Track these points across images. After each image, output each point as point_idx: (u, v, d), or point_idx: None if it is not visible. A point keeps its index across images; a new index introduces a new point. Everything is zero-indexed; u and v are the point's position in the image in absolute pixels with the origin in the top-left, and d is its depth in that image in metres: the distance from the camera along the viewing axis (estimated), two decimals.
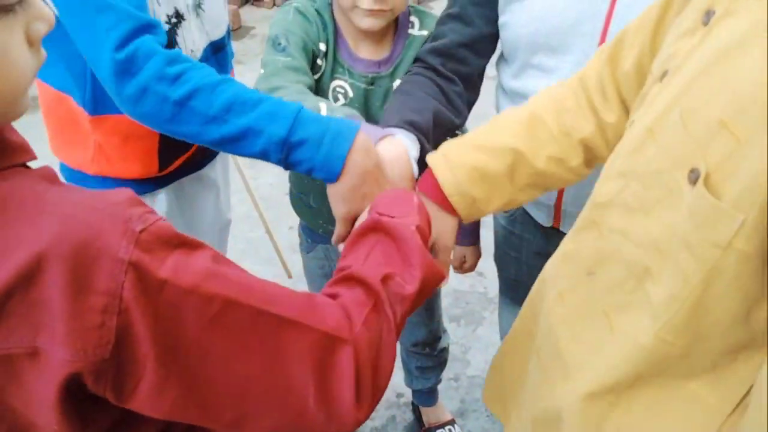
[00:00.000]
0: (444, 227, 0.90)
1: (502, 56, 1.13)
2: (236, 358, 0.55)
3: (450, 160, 0.88)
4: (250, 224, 2.56)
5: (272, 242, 2.27)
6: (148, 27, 0.89)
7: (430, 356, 1.64)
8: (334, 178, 0.85)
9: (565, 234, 1.11)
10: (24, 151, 0.54)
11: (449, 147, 0.90)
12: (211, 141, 0.87)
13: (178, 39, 1.04)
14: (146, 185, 1.14)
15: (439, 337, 1.63)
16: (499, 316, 1.52)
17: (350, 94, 1.15)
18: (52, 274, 0.47)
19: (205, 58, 1.12)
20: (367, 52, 1.15)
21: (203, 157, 1.25)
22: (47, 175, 0.53)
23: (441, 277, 0.73)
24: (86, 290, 0.47)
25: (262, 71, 1.02)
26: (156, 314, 0.51)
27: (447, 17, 1.12)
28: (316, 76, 1.11)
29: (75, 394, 0.50)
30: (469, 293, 2.33)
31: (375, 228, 0.73)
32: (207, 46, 1.13)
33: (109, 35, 0.85)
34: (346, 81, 1.14)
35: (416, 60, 1.13)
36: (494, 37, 1.10)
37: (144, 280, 0.50)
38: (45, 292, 0.47)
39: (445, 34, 1.10)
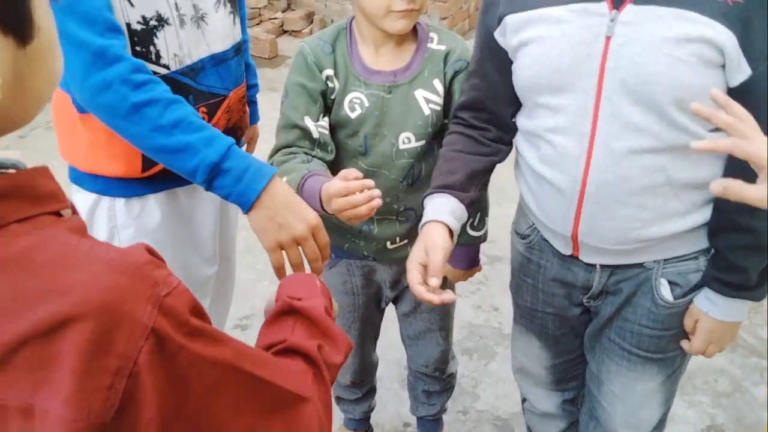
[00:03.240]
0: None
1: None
2: (230, 420, 0.58)
3: None
4: None
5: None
6: (115, 29, 1.00)
7: (438, 380, 1.65)
8: (246, 208, 1.00)
9: (584, 262, 1.16)
10: (55, 199, 0.53)
11: None
12: (152, 147, 1.00)
13: (157, 42, 1.10)
14: (134, 187, 1.19)
15: (449, 361, 1.64)
16: (512, 346, 1.51)
17: (366, 103, 1.26)
18: (74, 333, 0.46)
19: (200, 68, 1.18)
20: (384, 63, 1.26)
21: None
22: (77, 227, 0.53)
23: (351, 348, 0.81)
24: (104, 352, 0.47)
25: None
26: (167, 379, 0.51)
27: (469, 75, 1.22)
28: (333, 96, 1.26)
29: None
30: (483, 327, 2.32)
31: (289, 311, 0.79)
32: (207, 57, 1.19)
33: (81, 29, 0.95)
34: (361, 92, 1.26)
35: (451, 118, 1.25)
36: (512, 84, 1.15)
37: (162, 346, 0.50)
38: (60, 349, 0.46)
39: (469, 90, 1.21)
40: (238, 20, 1.28)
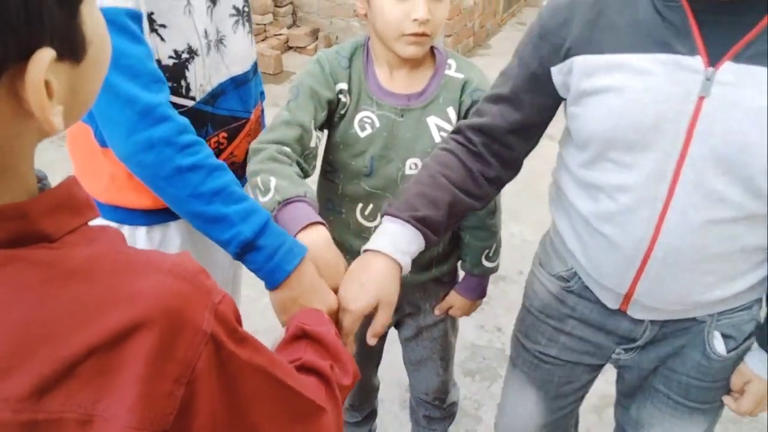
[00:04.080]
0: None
1: (569, 137, 1.07)
2: (264, 426, 0.59)
3: None
4: None
5: None
6: (159, 80, 0.97)
7: (438, 408, 1.63)
8: (273, 286, 0.96)
9: (632, 318, 1.08)
10: (91, 208, 0.54)
11: None
12: (189, 212, 0.97)
13: (188, 74, 1.08)
14: (156, 215, 1.17)
15: (449, 391, 1.62)
16: (502, 397, 1.37)
17: (377, 124, 1.23)
18: (141, 339, 0.46)
19: (221, 91, 1.16)
20: (398, 85, 1.24)
21: None
22: (122, 237, 0.54)
23: (358, 377, 0.82)
24: (167, 358, 0.48)
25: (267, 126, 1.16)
26: (219, 385, 0.52)
27: (497, 98, 1.08)
28: (342, 111, 1.24)
29: None
30: (487, 348, 2.30)
31: (301, 335, 0.81)
32: (227, 80, 1.17)
33: (125, 83, 0.93)
34: (373, 112, 1.23)
35: (456, 131, 1.11)
36: (546, 123, 1.08)
37: (218, 352, 0.51)
38: (125, 356, 0.46)
39: (493, 115, 1.07)
40: (253, 39, 1.26)
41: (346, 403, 1.65)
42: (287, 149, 1.10)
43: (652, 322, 1.08)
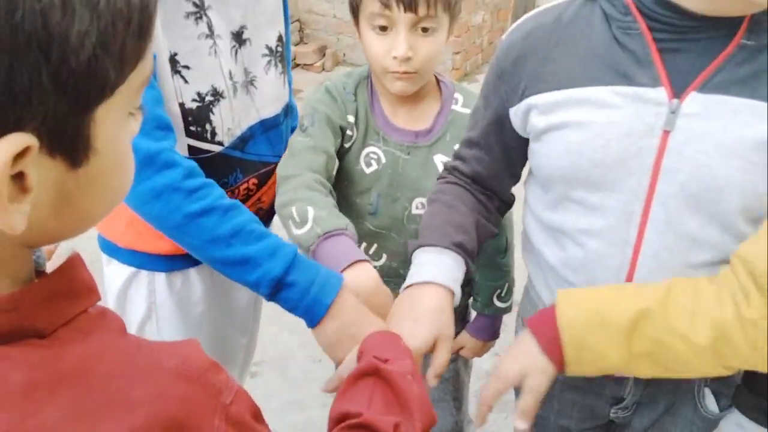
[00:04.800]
0: (540, 375, 0.86)
1: (532, 177, 1.01)
2: None
3: (573, 295, 0.84)
4: None
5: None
6: (165, 126, 0.91)
7: None
8: (314, 323, 0.88)
9: (614, 375, 0.96)
10: (90, 293, 0.48)
11: (578, 290, 0.87)
12: (210, 259, 0.90)
13: (213, 118, 1.03)
14: (176, 261, 1.11)
15: (462, 429, 1.56)
16: None
17: (383, 160, 1.16)
18: None
19: (250, 135, 1.10)
20: (405, 121, 1.17)
21: None
22: (121, 326, 0.48)
23: (434, 423, 0.73)
24: None
25: (286, 152, 1.09)
26: None
27: (469, 142, 1.03)
28: (348, 144, 1.15)
29: None
30: None
31: (372, 373, 0.73)
32: (256, 123, 1.11)
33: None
34: (379, 148, 1.16)
35: (448, 169, 1.07)
36: (522, 161, 1.01)
37: None
38: None
39: (469, 161, 1.03)
40: (287, 80, 1.19)
41: None
42: (320, 176, 1.02)
43: (635, 380, 0.99)
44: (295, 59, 4.90)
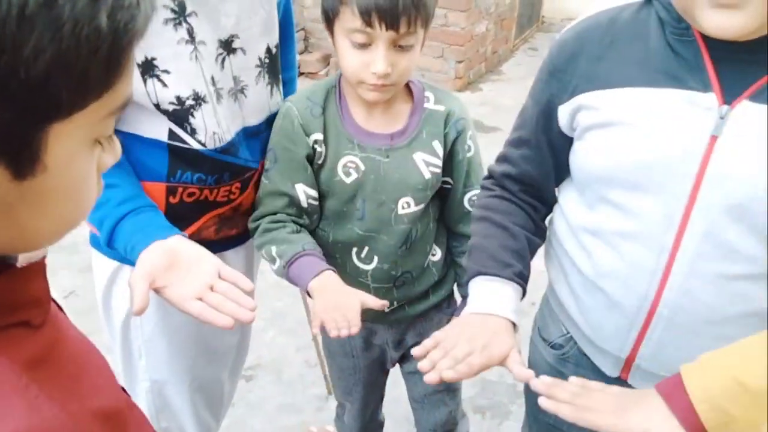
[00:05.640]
0: None
1: (569, 180, 1.00)
2: None
3: (704, 363, 0.76)
4: (278, 293, 2.53)
5: (319, 360, 2.11)
6: None
7: None
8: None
9: (632, 386, 0.95)
10: (34, 306, 0.46)
11: (707, 354, 0.78)
12: None
13: (194, 120, 1.06)
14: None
15: (457, 422, 1.55)
16: None
17: (362, 167, 1.17)
18: None
19: (238, 142, 1.14)
20: (378, 125, 1.18)
21: (219, 239, 1.23)
22: (37, 357, 0.45)
23: None
24: None
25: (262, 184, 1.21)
26: None
27: (518, 141, 1.03)
28: (320, 161, 1.18)
29: None
30: (497, 384, 2.21)
31: None
32: (240, 130, 1.14)
33: None
34: (356, 156, 1.17)
35: (491, 177, 1.08)
36: (567, 164, 1.00)
37: None
38: None
39: (517, 161, 1.03)
40: (276, 89, 1.21)
41: None
42: (279, 215, 1.18)
43: None
44: (299, 68, 4.94)
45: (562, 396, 0.82)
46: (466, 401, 2.10)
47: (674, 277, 0.85)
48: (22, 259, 0.47)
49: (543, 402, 0.83)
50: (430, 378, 0.87)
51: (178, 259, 0.96)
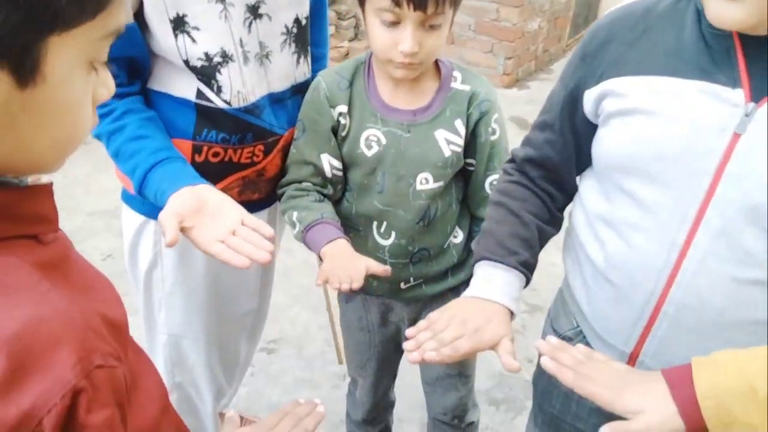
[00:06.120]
0: None
1: (589, 170, 1.00)
2: None
3: (718, 360, 0.75)
4: (306, 271, 2.57)
5: (332, 329, 2.15)
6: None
7: (456, 428, 1.56)
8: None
9: None
10: (39, 222, 0.49)
11: (722, 353, 0.76)
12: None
13: (220, 78, 1.10)
14: None
15: (468, 409, 1.55)
16: None
17: (383, 141, 1.20)
18: None
19: (262, 106, 1.17)
20: (403, 101, 1.20)
21: (241, 201, 1.27)
22: (47, 261, 0.49)
23: None
24: (15, 388, 0.43)
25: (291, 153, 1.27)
26: None
27: (543, 125, 1.03)
28: (343, 133, 1.22)
29: None
30: (514, 378, 2.20)
31: None
32: (266, 95, 1.18)
33: None
34: (379, 129, 1.20)
35: (514, 161, 1.08)
36: (589, 153, 0.99)
37: (72, 417, 0.45)
38: None
39: (540, 145, 1.03)
40: (303, 60, 1.25)
41: (359, 416, 1.61)
42: (304, 184, 1.24)
43: None
44: (347, 55, 4.97)
45: (566, 360, 0.82)
46: (481, 393, 2.09)
47: (683, 275, 0.84)
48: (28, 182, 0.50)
49: (545, 362, 0.82)
50: (412, 358, 0.88)
51: (206, 205, 1.01)
